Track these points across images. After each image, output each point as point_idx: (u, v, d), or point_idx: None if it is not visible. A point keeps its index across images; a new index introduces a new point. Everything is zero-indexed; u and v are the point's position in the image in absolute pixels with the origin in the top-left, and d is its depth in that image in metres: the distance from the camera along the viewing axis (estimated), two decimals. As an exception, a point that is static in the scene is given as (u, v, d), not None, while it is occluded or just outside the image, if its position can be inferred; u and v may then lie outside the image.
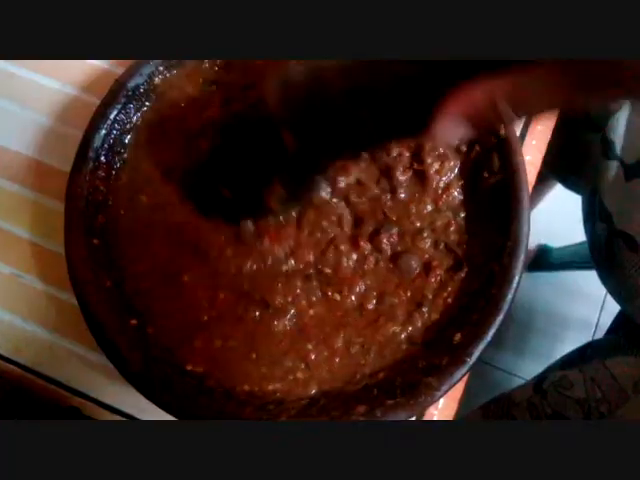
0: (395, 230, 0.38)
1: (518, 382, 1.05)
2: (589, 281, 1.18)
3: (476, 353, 0.34)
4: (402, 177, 0.39)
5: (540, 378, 0.62)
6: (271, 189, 0.36)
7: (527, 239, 0.36)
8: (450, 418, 0.41)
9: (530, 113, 0.31)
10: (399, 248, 0.39)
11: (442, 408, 0.40)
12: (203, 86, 0.43)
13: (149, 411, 0.40)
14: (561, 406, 0.58)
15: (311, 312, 0.37)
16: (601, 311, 1.25)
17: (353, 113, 0.29)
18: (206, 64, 0.43)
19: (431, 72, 0.25)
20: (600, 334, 1.24)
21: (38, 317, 0.42)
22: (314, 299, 0.38)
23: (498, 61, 0.23)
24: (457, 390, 0.40)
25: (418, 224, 0.39)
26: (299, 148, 0.32)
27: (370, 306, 0.38)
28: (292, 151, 0.32)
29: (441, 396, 0.34)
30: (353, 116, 0.29)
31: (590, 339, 1.23)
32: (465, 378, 0.39)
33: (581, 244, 1.09)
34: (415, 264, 0.38)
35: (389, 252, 0.38)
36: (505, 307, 0.35)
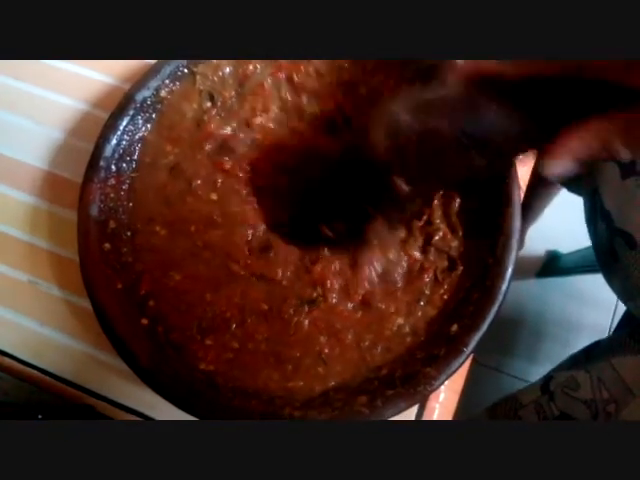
0: None
1: (522, 384, 1.05)
2: (600, 286, 1.18)
3: (472, 343, 0.35)
4: None
5: (547, 379, 0.62)
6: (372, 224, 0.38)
7: (519, 233, 0.37)
8: (452, 410, 0.42)
9: None
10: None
11: (443, 400, 0.41)
12: (204, 98, 0.45)
13: (161, 409, 0.41)
14: (568, 407, 0.58)
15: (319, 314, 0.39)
16: (613, 316, 1.24)
17: (463, 154, 0.29)
18: (209, 78, 0.45)
19: (545, 110, 0.26)
20: (613, 339, 1.24)
21: (55, 322, 0.44)
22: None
23: (611, 100, 0.23)
24: (457, 383, 0.41)
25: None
26: (410, 188, 0.33)
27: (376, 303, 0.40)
28: (401, 191, 0.33)
29: (439, 385, 0.35)
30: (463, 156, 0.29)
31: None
32: (466, 370, 0.41)
33: (589, 248, 1.09)
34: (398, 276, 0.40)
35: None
36: (499, 298, 0.36)
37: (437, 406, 0.41)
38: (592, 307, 1.25)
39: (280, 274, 0.40)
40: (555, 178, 0.39)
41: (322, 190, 0.41)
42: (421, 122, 0.30)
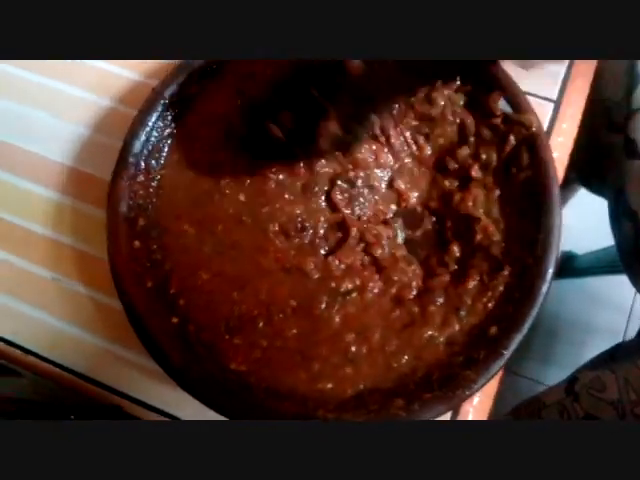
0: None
1: (540, 387, 1.03)
2: (615, 288, 1.17)
3: (512, 345, 0.35)
4: None
5: (571, 380, 0.62)
6: (324, 126, 0.36)
7: (559, 232, 0.36)
8: (485, 414, 0.41)
9: None
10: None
11: (477, 404, 0.40)
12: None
13: (188, 409, 0.41)
14: (594, 408, 0.57)
15: (352, 310, 0.39)
16: (629, 318, 1.23)
17: None
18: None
19: None
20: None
21: (80, 320, 0.44)
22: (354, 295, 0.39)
23: None
24: (491, 386, 0.41)
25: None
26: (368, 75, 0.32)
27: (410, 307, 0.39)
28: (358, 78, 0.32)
29: (478, 389, 0.34)
30: None
31: (619, 345, 1.21)
32: (500, 373, 0.40)
33: (606, 249, 1.08)
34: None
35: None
36: (540, 300, 0.35)
37: (471, 410, 0.40)
38: (607, 309, 1.24)
39: (312, 265, 0.39)
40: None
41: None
42: None
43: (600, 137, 0.68)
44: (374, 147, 0.42)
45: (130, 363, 0.42)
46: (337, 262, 0.40)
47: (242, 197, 0.42)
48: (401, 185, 0.42)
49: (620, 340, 1.22)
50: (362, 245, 0.41)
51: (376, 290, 0.39)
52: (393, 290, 0.39)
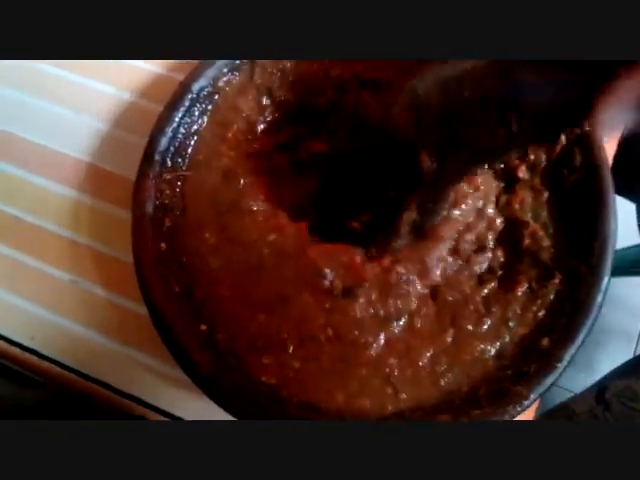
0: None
1: (558, 392, 1.02)
2: (630, 290, 1.16)
3: (566, 358, 0.33)
4: None
5: (601, 387, 0.60)
6: (404, 213, 0.35)
7: (615, 237, 0.34)
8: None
9: None
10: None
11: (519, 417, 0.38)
12: (261, 93, 0.42)
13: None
14: (626, 417, 0.56)
15: (398, 334, 0.36)
16: (644, 321, 1.22)
17: (491, 120, 0.29)
18: (268, 71, 0.42)
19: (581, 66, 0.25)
20: (642, 343, 1.21)
21: (101, 325, 0.42)
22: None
23: None
24: (535, 399, 0.39)
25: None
26: (439, 164, 0.31)
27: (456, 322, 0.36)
28: (430, 170, 0.31)
29: (530, 405, 0.32)
30: (491, 123, 0.29)
31: (633, 348, 1.20)
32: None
33: (622, 250, 1.06)
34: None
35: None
36: (595, 310, 0.33)
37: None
38: (621, 310, 1.23)
39: (359, 307, 0.36)
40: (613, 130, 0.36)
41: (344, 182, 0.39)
42: (445, 93, 0.30)
43: (632, 138, 0.66)
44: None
45: (154, 371, 0.40)
46: None
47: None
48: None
49: (635, 341, 1.21)
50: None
51: (430, 313, 0.36)
52: (448, 311, 0.36)
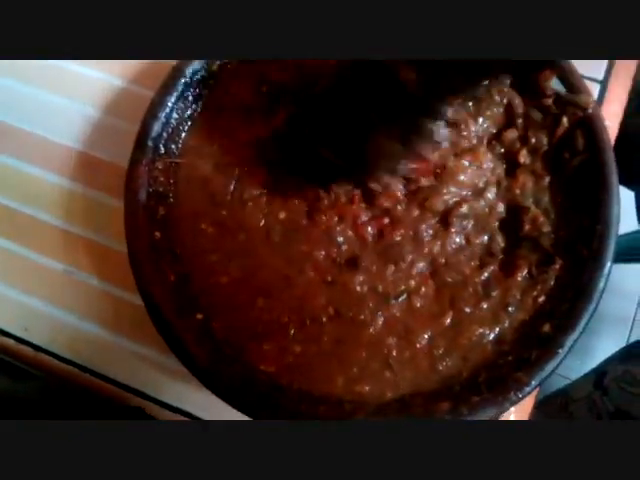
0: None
1: (554, 378, 1.02)
2: (625, 276, 1.16)
3: (567, 344, 0.32)
4: None
5: (599, 373, 0.60)
6: (378, 142, 0.33)
7: (618, 222, 0.34)
8: (526, 415, 0.39)
9: None
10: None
11: (518, 405, 0.38)
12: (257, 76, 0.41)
13: (212, 410, 0.38)
14: (625, 403, 0.55)
15: (397, 313, 0.36)
16: (637, 306, 1.22)
17: None
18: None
19: None
20: (637, 329, 1.21)
21: (96, 315, 0.41)
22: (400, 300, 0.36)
23: None
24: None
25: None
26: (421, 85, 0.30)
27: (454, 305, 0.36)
28: (412, 90, 0.30)
29: (530, 392, 0.32)
30: None
31: (627, 334, 1.20)
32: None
33: (619, 237, 1.06)
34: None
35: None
36: (597, 295, 0.33)
37: (513, 410, 0.38)
38: (617, 296, 1.23)
39: (361, 278, 0.36)
40: None
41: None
42: None
43: (629, 123, 0.65)
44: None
45: (150, 362, 0.40)
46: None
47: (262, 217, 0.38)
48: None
49: (629, 326, 1.22)
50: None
51: (429, 292, 0.36)
52: (447, 292, 0.36)
